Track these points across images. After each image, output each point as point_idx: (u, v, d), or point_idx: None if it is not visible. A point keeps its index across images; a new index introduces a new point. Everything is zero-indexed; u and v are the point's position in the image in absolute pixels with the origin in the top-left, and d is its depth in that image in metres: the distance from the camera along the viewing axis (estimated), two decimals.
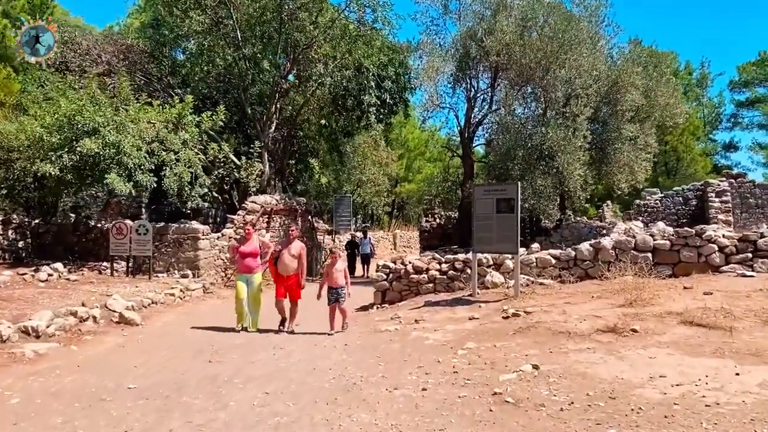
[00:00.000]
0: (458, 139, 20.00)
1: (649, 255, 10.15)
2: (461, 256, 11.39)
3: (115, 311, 9.72)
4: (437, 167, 25.68)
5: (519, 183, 10.07)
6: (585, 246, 10.56)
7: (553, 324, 7.64)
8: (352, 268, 20.57)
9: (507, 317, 8.39)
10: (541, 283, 10.30)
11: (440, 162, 33.95)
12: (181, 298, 12.76)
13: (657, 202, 23.18)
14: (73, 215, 19.00)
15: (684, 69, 46.57)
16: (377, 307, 11.69)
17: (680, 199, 22.30)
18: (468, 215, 20.47)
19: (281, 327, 9.47)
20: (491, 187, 10.34)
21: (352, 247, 21.21)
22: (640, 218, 20.99)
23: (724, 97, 49.70)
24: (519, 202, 9.83)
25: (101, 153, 13.39)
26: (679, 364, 5.85)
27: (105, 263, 14.57)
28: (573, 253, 10.61)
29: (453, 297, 10.54)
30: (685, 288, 8.78)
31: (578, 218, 19.40)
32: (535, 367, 6.04)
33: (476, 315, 9.01)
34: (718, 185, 20.50)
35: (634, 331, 6.95)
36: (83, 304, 9.61)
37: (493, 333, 7.79)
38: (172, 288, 12.78)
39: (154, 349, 8.03)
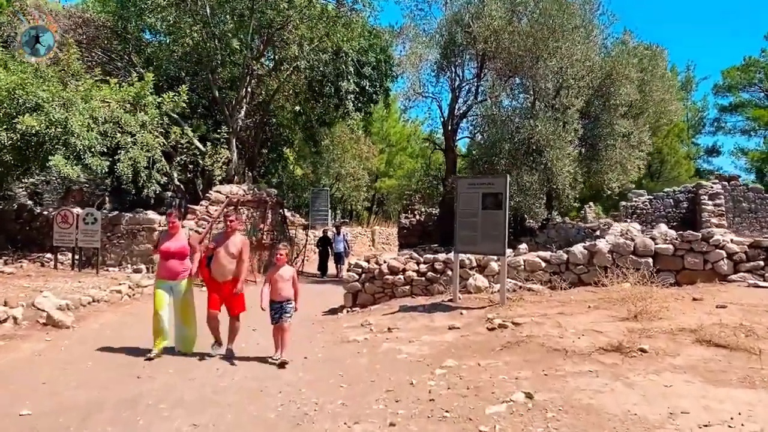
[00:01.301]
0: (441, 131, 18.98)
1: (650, 260, 9.20)
2: (441, 257, 10.34)
3: (43, 311, 8.48)
4: (419, 163, 24.65)
5: (508, 176, 9.03)
6: (579, 249, 9.57)
7: (547, 339, 6.61)
8: (324, 266, 19.43)
9: (493, 328, 7.35)
10: (529, 289, 9.29)
11: (422, 158, 32.97)
12: (129, 296, 11.52)
13: (646, 203, 22.40)
14: (28, 202, 17.60)
15: (670, 71, 46.10)
16: (347, 311, 10.60)
17: (670, 201, 21.54)
18: (450, 212, 19.48)
19: (213, 350, 7.29)
20: (477, 180, 9.29)
21: (324, 243, 19.87)
22: (629, 220, 20.15)
23: (707, 101, 49.59)
24: (508, 198, 8.79)
25: (45, 132, 12.06)
26: (702, 395, 4.85)
27: (49, 255, 13.27)
28: (565, 257, 9.62)
29: (432, 302, 9.48)
30: (694, 299, 7.82)
31: (565, 219, 18.50)
32: (529, 396, 5.00)
33: (457, 324, 7.96)
34: (711, 188, 19.75)
35: (643, 351, 5.94)
36: (5, 303, 8.35)
37: (477, 348, 6.74)
38: (120, 284, 11.54)
39: (76, 359, 6.84)
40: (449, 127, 18.48)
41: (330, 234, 20.04)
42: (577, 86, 15.38)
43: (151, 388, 5.73)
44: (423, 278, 10.28)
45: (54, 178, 23.28)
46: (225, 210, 15.99)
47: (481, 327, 7.61)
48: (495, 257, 9.81)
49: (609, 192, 17.62)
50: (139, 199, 22.77)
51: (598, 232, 13.06)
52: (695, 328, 6.47)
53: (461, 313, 8.57)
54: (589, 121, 16.58)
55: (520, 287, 9.36)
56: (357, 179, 35.84)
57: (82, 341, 7.72)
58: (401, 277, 10.38)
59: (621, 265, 9.10)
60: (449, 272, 10.03)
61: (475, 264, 10.11)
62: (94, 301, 10.07)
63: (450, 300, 9.32)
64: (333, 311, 11.06)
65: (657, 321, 6.85)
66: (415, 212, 22.44)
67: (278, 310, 6.89)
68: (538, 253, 10.07)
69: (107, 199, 23.04)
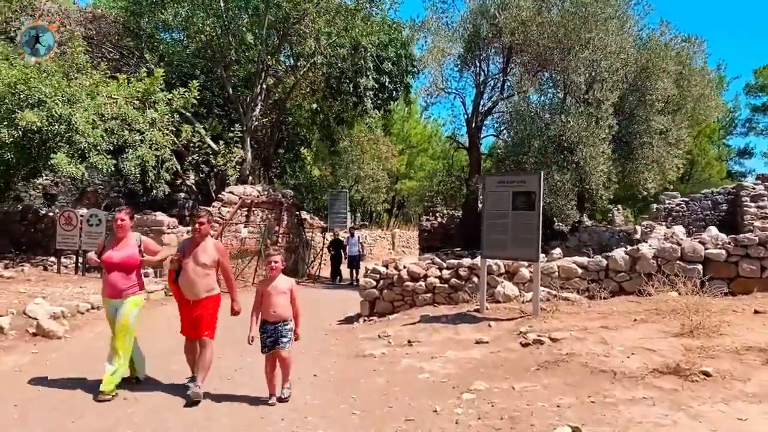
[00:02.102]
0: (464, 128, 18.17)
1: (700, 267, 8.32)
2: (466, 261, 9.55)
3: (34, 319, 7.88)
4: (440, 164, 23.85)
5: (542, 173, 8.22)
6: (620, 254, 8.72)
7: (590, 358, 5.80)
8: (336, 271, 18.65)
9: (527, 344, 6.55)
10: (565, 298, 8.46)
11: (444, 159, 32.16)
12: None
13: (681, 205, 21.31)
14: (34, 203, 17.19)
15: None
16: (364, 320, 9.86)
17: (708, 203, 20.44)
18: (473, 214, 18.71)
19: (190, 384, 5.70)
20: (507, 177, 8.49)
21: (336, 247, 19.06)
22: (663, 223, 19.11)
23: (739, 101, 47.86)
24: (541, 197, 7.99)
25: (47, 129, 11.55)
26: None
27: (53, 258, 12.76)
28: (604, 262, 8.77)
29: (456, 312, 8.70)
30: (756, 312, 6.96)
31: (596, 221, 17.57)
32: (576, 430, 4.22)
33: (485, 337, 7.18)
34: (753, 189, 18.64)
35: (706, 374, 5.13)
36: None
37: (510, 367, 5.96)
38: None
39: (61, 376, 6.19)
40: (473, 125, 17.68)
41: (343, 237, 19.25)
42: (611, 80, 14.48)
43: (132, 417, 5.06)
44: (446, 285, 9.50)
45: (68, 180, 23.00)
46: (237, 211, 15.40)
47: (513, 342, 6.82)
48: (526, 263, 9.01)
49: (645, 193, 16.65)
50: (152, 201, 22.38)
51: (638, 235, 12.15)
52: (765, 346, 5.62)
53: (489, 325, 7.78)
54: (623, 117, 15.66)
55: (555, 296, 8.53)
56: (376, 181, 35.13)
57: (71, 354, 7.08)
58: (422, 283, 9.62)
59: (667, 272, 8.24)
60: (475, 279, 9.25)
61: (503, 270, 9.31)
62: (92, 308, 9.46)
63: (476, 310, 8.53)
64: (349, 320, 10.34)
65: (718, 338, 6.00)
66: (437, 214, 21.66)
67: (272, 333, 5.34)
68: (573, 258, 9.24)
69: (122, 201, 22.67)
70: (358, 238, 18.71)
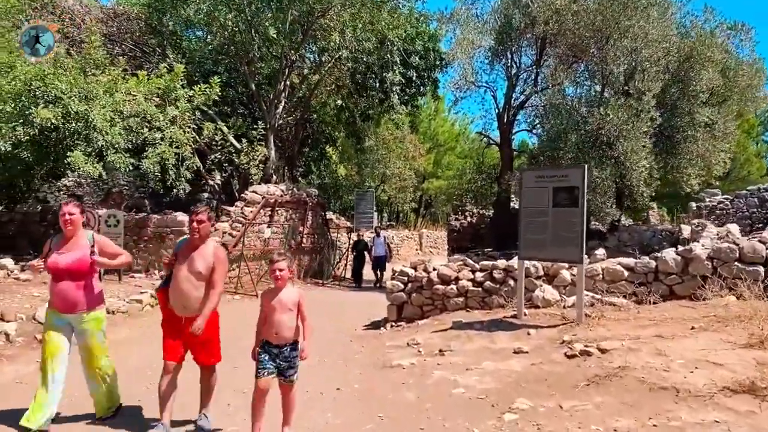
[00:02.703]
0: (495, 123, 17.51)
1: (760, 269, 7.56)
2: (501, 263, 8.93)
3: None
4: (468, 162, 23.14)
5: (586, 166, 7.57)
6: (670, 255, 8.01)
7: (648, 372, 5.16)
8: (358, 274, 17.90)
9: (573, 355, 5.93)
10: (610, 303, 7.79)
11: (471, 158, 31.41)
12: (152, 306, 10.52)
13: (725, 203, 20.28)
14: (52, 203, 17.02)
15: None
16: (391, 326, 9.31)
17: (755, 200, 19.38)
18: (505, 212, 18.03)
19: (159, 423, 4.53)
20: (546, 172, 7.85)
21: (360, 248, 18.24)
22: (707, 222, 18.16)
23: None
24: (585, 193, 7.34)
25: (64, 126, 11.25)
26: None
27: None
28: (653, 264, 8.07)
29: (491, 318, 8.10)
30: None
31: (635, 221, 16.74)
32: None
33: (525, 347, 6.57)
34: None
35: None
36: (1, 316, 7.41)
37: (555, 381, 5.35)
38: (142, 293, 10.59)
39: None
40: (505, 120, 17.00)
41: (368, 237, 18.57)
42: (653, 70, 13.68)
43: None
44: (479, 289, 8.89)
45: (92, 181, 22.93)
46: (260, 211, 14.99)
47: (557, 353, 6.20)
48: (567, 265, 8.36)
49: (688, 190, 15.76)
50: (176, 201, 22.19)
51: (686, 235, 11.38)
52: None
53: (528, 333, 7.16)
54: (664, 110, 14.81)
55: (600, 301, 7.87)
56: (403, 180, 34.60)
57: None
58: (454, 287, 9.02)
59: (724, 274, 7.53)
60: (511, 282, 8.64)
61: (541, 272, 8.67)
62: (108, 312, 9.06)
63: (513, 316, 7.91)
64: (375, 325, 9.81)
65: None
66: (466, 214, 21.01)
67: (275, 357, 4.32)
68: (619, 259, 8.56)
69: (146, 202, 22.52)
70: (384, 238, 17.96)
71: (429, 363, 6.53)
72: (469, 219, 20.58)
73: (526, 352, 6.50)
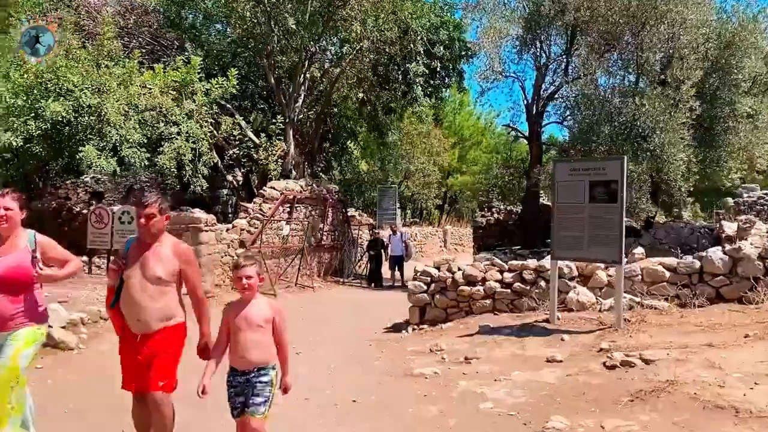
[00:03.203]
0: (523, 116, 16.90)
1: None
2: (532, 263, 8.41)
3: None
4: (494, 158, 22.48)
5: (626, 158, 7.02)
6: (717, 254, 7.42)
7: (700, 388, 4.63)
8: (377, 275, 16.90)
9: (613, 366, 5.41)
10: (651, 307, 7.23)
11: (499, 153, 30.55)
12: None
13: (765, 199, 19.38)
14: (67, 201, 16.85)
15: None
16: (413, 329, 8.86)
17: None
18: (534, 209, 17.43)
19: None
20: (582, 164, 7.31)
21: (376, 247, 17.23)
22: (756, 219, 17.30)
23: None
24: (626, 187, 6.79)
25: (75, 120, 11.00)
26: None
27: (86, 258, 12.24)
28: (698, 264, 7.49)
29: (521, 322, 7.59)
30: None
31: (672, 217, 16.00)
32: None
33: (558, 355, 6.07)
34: None
35: None
36: None
37: (595, 396, 4.84)
38: None
39: (62, 399, 5.43)
40: (534, 111, 16.40)
41: (386, 235, 17.81)
42: (692, 57, 12.97)
43: None
44: (508, 290, 8.38)
45: (114, 178, 22.86)
46: (278, 207, 14.64)
47: (594, 362, 5.68)
48: (603, 265, 7.81)
49: (729, 184, 15.00)
50: (196, 198, 22.00)
51: (728, 231, 10.69)
52: None
53: (562, 339, 6.65)
54: (703, 100, 14.07)
55: (639, 304, 7.32)
56: (427, 176, 34.07)
57: (81, 371, 6.33)
58: (480, 288, 8.52)
59: None
60: (542, 283, 8.11)
61: (575, 273, 8.13)
62: (92, 321, 8.76)
63: (545, 320, 7.39)
64: (396, 328, 9.36)
65: None
66: (493, 210, 20.43)
67: (242, 388, 3.42)
68: (659, 259, 7.98)
69: (168, 199, 22.37)
70: (401, 235, 16.98)
71: (453, 372, 6.06)
72: (495, 215, 20.00)
73: (560, 361, 6.00)
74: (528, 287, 8.25)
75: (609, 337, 6.43)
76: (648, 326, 6.58)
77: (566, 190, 7.20)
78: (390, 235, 17.09)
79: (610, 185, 6.82)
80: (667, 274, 7.63)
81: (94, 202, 19.47)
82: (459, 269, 8.76)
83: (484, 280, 8.59)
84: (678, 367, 5.07)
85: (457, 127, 41.58)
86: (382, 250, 17.21)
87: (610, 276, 7.90)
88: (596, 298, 7.78)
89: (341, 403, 5.26)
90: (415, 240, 28.91)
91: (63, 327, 7.36)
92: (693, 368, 5.04)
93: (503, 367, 6.04)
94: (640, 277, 7.72)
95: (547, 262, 8.14)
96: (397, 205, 29.32)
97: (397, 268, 16.58)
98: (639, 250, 8.46)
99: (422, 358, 6.86)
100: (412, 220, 35.74)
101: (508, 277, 8.47)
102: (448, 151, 36.51)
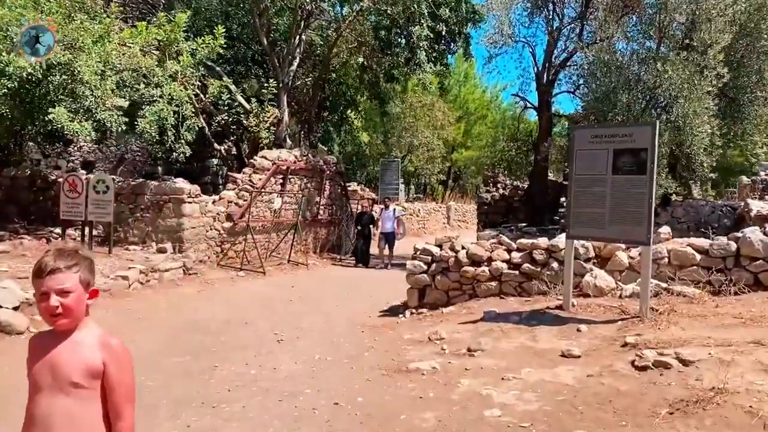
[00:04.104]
0: (533, 84, 15.90)
1: None
2: (543, 242, 7.57)
3: None
4: (499, 131, 21.44)
5: (658, 123, 6.14)
6: (755, 235, 6.58)
7: (758, 399, 3.82)
8: (364, 254, 15.55)
9: (643, 367, 4.59)
10: (681, 294, 6.39)
11: (506, 126, 29.48)
12: (141, 283, 9.47)
13: None
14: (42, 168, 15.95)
15: None
16: (411, 313, 8.06)
17: None
18: (542, 184, 16.54)
19: None
20: (605, 130, 6.42)
21: (363, 222, 16.02)
22: None
23: None
24: (656, 156, 5.91)
25: (46, 79, 10.09)
26: None
27: (59, 230, 11.47)
28: (733, 246, 6.65)
29: (531, 308, 6.78)
30: None
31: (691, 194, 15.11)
32: None
33: (575, 349, 5.27)
34: None
35: None
36: None
37: (625, 406, 4.03)
38: (130, 268, 9.48)
39: None
40: (544, 79, 15.41)
41: (377, 210, 16.77)
42: (720, 20, 11.95)
43: None
44: (516, 272, 7.56)
45: (108, 147, 22.03)
46: (269, 178, 13.78)
47: (620, 360, 4.87)
48: (624, 245, 6.98)
49: (755, 160, 14.07)
50: (190, 168, 21.15)
51: (756, 210, 9.83)
52: None
53: (579, 330, 5.84)
54: (729, 68, 13.08)
55: (666, 290, 6.49)
56: (431, 150, 33.12)
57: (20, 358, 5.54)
58: (486, 269, 7.70)
59: None
60: (555, 265, 7.29)
61: (592, 254, 7.29)
62: None
63: (558, 307, 6.58)
64: (393, 311, 8.58)
65: None
66: (498, 185, 19.53)
67: None
68: (689, 240, 7.14)
69: (159, 169, 21.59)
70: (394, 210, 15.83)
71: (455, 367, 5.27)
72: (501, 191, 19.12)
73: (578, 356, 5.20)
74: (538, 269, 7.42)
75: (633, 329, 5.61)
76: (679, 317, 5.75)
77: (586, 160, 6.33)
78: (382, 210, 16.00)
79: (638, 154, 5.95)
80: (698, 257, 6.79)
81: (84, 172, 18.67)
82: (463, 248, 7.93)
83: (490, 260, 7.76)
84: (722, 370, 4.24)
85: (462, 100, 40.48)
86: (372, 226, 16.18)
87: (631, 258, 7.09)
88: (616, 283, 6.95)
89: (321, 408, 4.47)
90: (417, 216, 28.11)
91: (15, 308, 6.56)
92: (743, 372, 4.21)
93: (511, 362, 5.25)
94: (666, 259, 6.89)
95: (560, 241, 7.32)
96: (401, 179, 28.47)
97: (388, 247, 15.53)
98: (665, 230, 7.60)
99: (420, 348, 6.07)
100: (415, 195, 34.90)
101: (516, 257, 7.64)
102: (452, 125, 35.50)
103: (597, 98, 12.30)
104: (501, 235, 8.33)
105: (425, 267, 8.15)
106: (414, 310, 8.10)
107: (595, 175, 6.23)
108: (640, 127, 6.24)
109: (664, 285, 6.60)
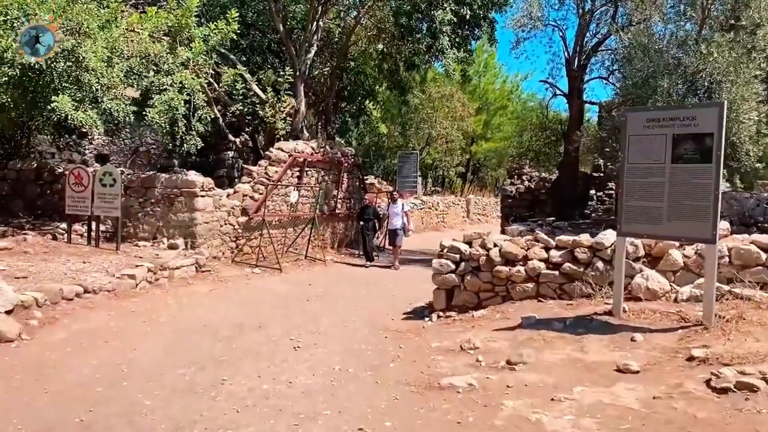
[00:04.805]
0: (563, 70, 15.11)
1: None
2: (586, 239, 6.87)
3: None
4: (528, 119, 20.61)
5: (724, 102, 5.43)
6: None
7: None
8: (366, 250, 14.20)
9: (723, 390, 3.92)
10: (746, 298, 5.68)
11: (530, 119, 28.46)
12: (149, 282, 8.92)
13: None
14: (48, 161, 15.50)
15: None
16: (438, 316, 7.41)
17: None
18: (572, 176, 15.80)
19: None
20: (664, 112, 5.68)
21: (367, 217, 14.42)
22: None
23: None
24: (723, 142, 5.19)
25: (50, 66, 9.58)
26: None
27: (65, 225, 10.97)
28: None
29: (575, 313, 6.11)
30: None
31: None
32: None
33: (633, 363, 4.62)
34: None
35: None
36: None
37: None
38: (137, 266, 8.94)
39: None
40: (575, 65, 14.64)
41: (383, 204, 15.30)
42: None
43: None
44: (556, 272, 6.87)
45: (122, 140, 21.67)
46: (286, 171, 13.19)
47: (689, 378, 4.20)
48: (677, 243, 6.28)
49: None
50: (205, 161, 20.68)
51: None
52: None
53: (634, 340, 5.18)
54: None
55: (729, 293, 5.77)
56: (450, 142, 32.37)
57: (6, 372, 4.97)
58: (521, 269, 7.02)
59: None
60: (599, 264, 6.60)
61: (642, 252, 6.59)
62: (86, 291, 7.45)
63: (607, 312, 5.90)
64: (418, 314, 7.92)
65: None
66: (523, 177, 18.79)
67: None
68: (753, 237, 6.40)
69: (175, 162, 21.17)
70: (403, 205, 14.10)
71: (494, 384, 4.63)
72: (526, 183, 18.37)
73: (636, 372, 4.55)
74: (581, 269, 6.73)
75: (698, 339, 4.94)
76: (749, 325, 5.06)
77: (640, 147, 5.63)
78: (389, 204, 14.35)
79: (702, 140, 5.23)
80: (764, 255, 6.06)
81: (98, 165, 18.28)
82: (495, 245, 7.26)
83: (525, 258, 7.08)
84: None
85: (482, 90, 39.59)
86: (376, 221, 14.64)
87: (686, 257, 6.38)
88: (670, 285, 6.25)
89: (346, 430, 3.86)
90: (436, 210, 27.39)
91: (8, 311, 6.03)
92: None
93: (560, 378, 4.60)
94: (727, 259, 6.16)
95: (606, 238, 6.64)
96: (418, 172, 27.77)
97: (392, 244, 13.97)
98: (723, 225, 6.86)
99: (452, 359, 5.43)
100: (433, 188, 34.18)
101: (555, 255, 6.95)
102: (472, 116, 34.68)
103: (635, 83, 11.53)
104: (537, 231, 7.64)
105: (453, 266, 7.49)
106: (441, 313, 7.45)
107: (651, 164, 5.53)
108: (704, 108, 5.53)
109: (726, 287, 5.88)
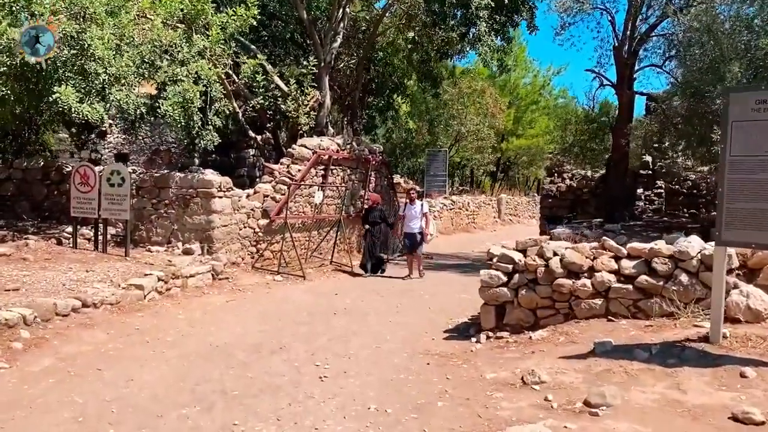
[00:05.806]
0: (611, 58, 14.00)
1: None
2: (665, 247, 5.82)
3: None
4: (563, 117, 19.43)
5: None
6: None
7: None
8: (370, 257, 12.28)
9: None
10: None
11: (555, 117, 26.94)
12: (159, 292, 8.12)
13: None
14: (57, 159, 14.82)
15: None
16: (487, 337, 6.43)
17: None
18: (620, 174, 14.68)
19: None
20: None
21: (373, 220, 12.59)
22: None
23: None
24: None
25: (54, 55, 8.83)
26: None
27: (80, 227, 10.23)
28: None
29: (661, 339, 5.09)
30: None
31: None
32: None
33: (753, 410, 3.66)
34: None
35: None
36: None
37: None
38: (147, 274, 8.14)
39: None
40: (624, 52, 13.51)
41: (401, 205, 13.40)
42: None
43: None
44: (629, 286, 5.85)
45: (142, 139, 21.15)
46: (310, 169, 12.33)
47: None
48: None
49: None
50: (225, 160, 19.99)
51: None
52: None
53: (744, 376, 4.18)
54: None
55: None
56: (480, 139, 31.28)
57: None
58: (587, 281, 6.01)
59: None
60: (683, 277, 5.57)
61: (735, 263, 5.55)
62: (84, 305, 6.64)
63: (703, 338, 4.88)
64: (462, 332, 6.97)
65: None
66: (564, 175, 17.66)
67: None
68: None
69: (196, 161, 20.53)
70: (422, 205, 12.26)
71: None
72: (568, 182, 17.26)
73: (761, 423, 3.54)
74: (660, 282, 5.69)
75: None
76: None
77: (747, 136, 4.60)
78: (405, 204, 12.44)
79: None
80: None
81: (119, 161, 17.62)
82: (555, 254, 6.26)
83: (591, 270, 6.07)
84: None
85: (512, 85, 38.41)
86: (382, 224, 12.68)
87: None
88: None
89: None
90: (467, 210, 26.35)
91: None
92: None
93: (660, 429, 3.61)
94: None
95: (691, 246, 5.60)
96: (446, 171, 26.77)
97: (412, 251, 12.08)
98: None
99: (513, 396, 4.48)
100: (461, 188, 33.12)
101: (627, 266, 5.92)
102: (503, 112, 33.55)
103: (701, 69, 10.40)
104: (605, 237, 6.59)
105: (505, 278, 6.50)
106: (491, 333, 6.47)
107: (761, 156, 4.51)
108: None
109: None
